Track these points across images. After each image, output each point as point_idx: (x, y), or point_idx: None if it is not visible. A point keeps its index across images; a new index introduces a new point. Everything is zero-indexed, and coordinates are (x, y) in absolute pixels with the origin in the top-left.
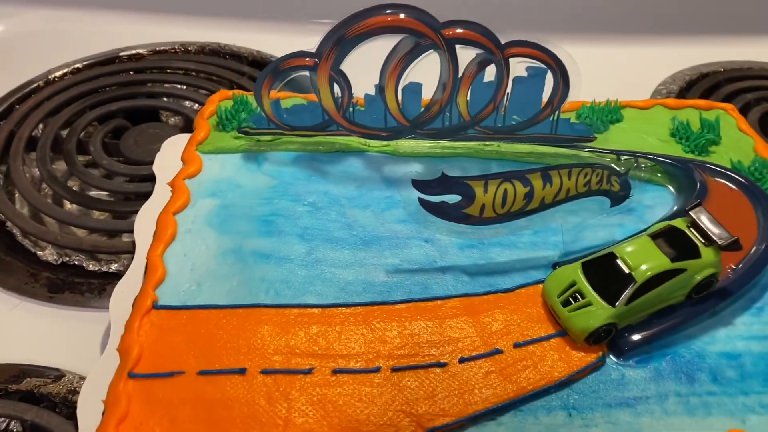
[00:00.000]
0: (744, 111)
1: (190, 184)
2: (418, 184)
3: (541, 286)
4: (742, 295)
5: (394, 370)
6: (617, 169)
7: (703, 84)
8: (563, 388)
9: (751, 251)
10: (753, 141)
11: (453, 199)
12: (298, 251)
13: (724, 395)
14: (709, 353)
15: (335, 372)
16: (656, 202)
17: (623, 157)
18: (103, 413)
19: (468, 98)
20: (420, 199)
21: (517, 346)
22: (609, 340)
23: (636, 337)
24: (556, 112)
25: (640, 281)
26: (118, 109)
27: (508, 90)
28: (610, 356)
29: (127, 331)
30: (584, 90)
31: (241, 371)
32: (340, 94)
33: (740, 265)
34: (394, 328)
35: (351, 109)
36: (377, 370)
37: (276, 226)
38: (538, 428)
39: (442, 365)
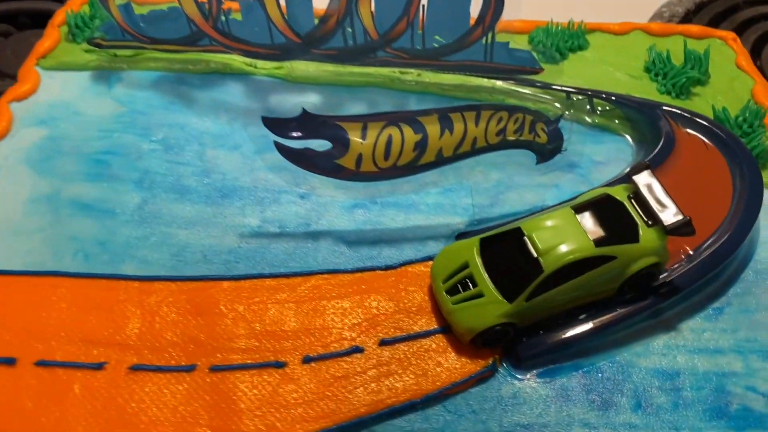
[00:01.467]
0: (759, 44)
1: (17, 108)
2: (272, 124)
3: (428, 265)
4: (695, 293)
5: (214, 369)
6: (545, 114)
7: (717, 5)
8: (433, 404)
9: (715, 234)
10: (752, 82)
11: (323, 146)
12: (129, 202)
13: (646, 430)
14: (637, 369)
15: (134, 368)
16: (609, 158)
17: (575, 97)
18: None
19: (373, 9)
20: (276, 144)
21: (383, 344)
22: (505, 343)
23: (541, 341)
24: (490, 34)
25: (549, 271)
26: None
27: (424, 1)
28: (504, 365)
29: None
30: (558, 7)
31: (9, 361)
32: None
33: (700, 251)
34: (226, 313)
35: (223, 17)
36: (191, 368)
37: (109, 168)
38: None
39: (280, 366)
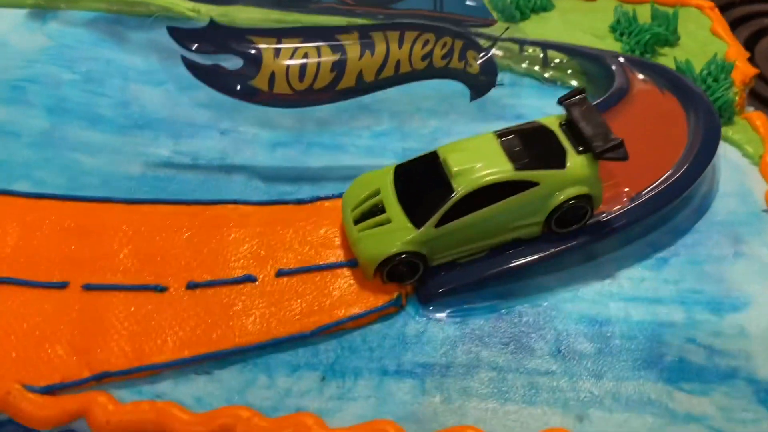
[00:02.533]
0: (752, 40)
1: None
2: (178, 35)
3: None
4: (637, 239)
5: (88, 288)
6: (475, 40)
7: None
8: (327, 339)
9: (665, 175)
10: (726, 46)
11: (233, 64)
12: (36, 127)
13: (564, 377)
14: (562, 315)
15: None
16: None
17: (529, 50)
18: None
19: None
20: (184, 59)
21: (280, 274)
22: (415, 279)
23: (454, 277)
24: None
25: (462, 193)
26: None
27: None
28: (414, 302)
29: None
30: None
31: None
32: None
33: (644, 193)
34: (113, 234)
35: None
36: (62, 285)
37: (23, 94)
38: (270, 393)
39: (160, 290)
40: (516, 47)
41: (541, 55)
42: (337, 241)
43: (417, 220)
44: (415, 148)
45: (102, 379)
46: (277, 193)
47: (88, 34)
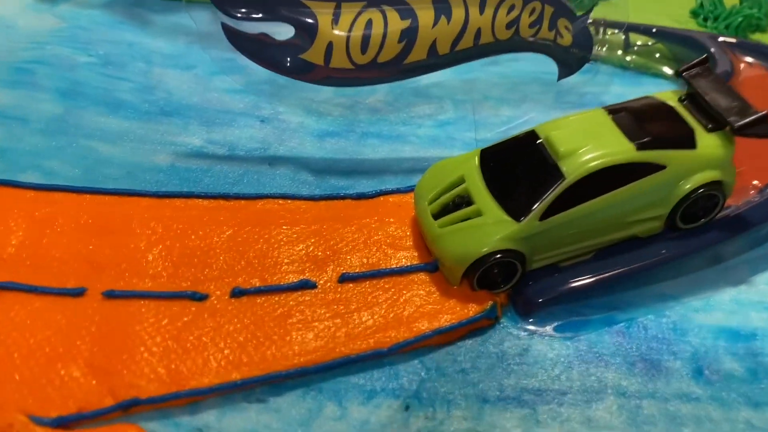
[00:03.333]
0: None
1: None
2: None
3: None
4: None
5: (110, 295)
6: (567, 6)
7: None
8: (406, 358)
9: None
10: None
11: (283, 33)
12: (47, 111)
13: (712, 404)
14: (695, 327)
15: (2, 287)
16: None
17: (609, 31)
18: None
19: None
20: (224, 27)
21: (345, 279)
22: (511, 286)
23: (560, 282)
24: None
25: (573, 179)
26: None
27: None
28: (510, 314)
29: None
30: None
31: None
32: None
33: None
34: (140, 233)
35: None
36: (79, 292)
37: (32, 77)
38: (342, 426)
39: (199, 298)
40: (593, 29)
41: (623, 38)
42: (409, 240)
43: (515, 212)
44: (489, 138)
45: (129, 408)
46: (330, 188)
47: (105, 15)
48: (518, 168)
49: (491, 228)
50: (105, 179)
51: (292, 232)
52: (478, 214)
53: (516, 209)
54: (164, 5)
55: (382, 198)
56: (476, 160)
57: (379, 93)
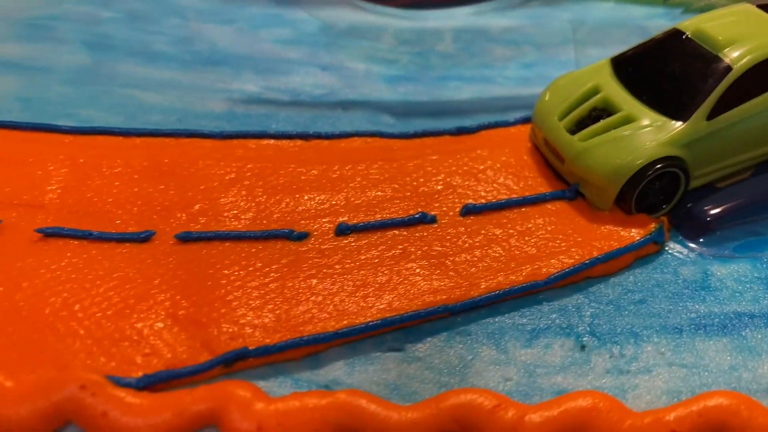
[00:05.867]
0: None
1: None
2: None
3: (526, 126)
4: None
5: (184, 239)
6: None
7: None
8: (565, 294)
9: None
10: None
11: None
12: (73, 62)
13: None
14: None
15: (47, 234)
16: None
17: None
18: None
19: None
20: None
21: (466, 212)
22: (672, 206)
23: (737, 195)
24: None
25: (742, 66)
26: None
27: None
28: (677, 238)
29: None
30: None
31: None
32: None
33: None
34: (206, 173)
35: None
36: (147, 236)
37: (49, 32)
38: (503, 372)
39: (297, 237)
40: None
41: None
42: (530, 169)
43: (676, 114)
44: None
45: (234, 363)
46: (416, 128)
47: None
48: (667, 68)
49: (649, 134)
50: (152, 126)
51: (390, 168)
52: (628, 121)
53: (676, 110)
54: None
55: (483, 132)
56: (608, 68)
57: (447, 40)
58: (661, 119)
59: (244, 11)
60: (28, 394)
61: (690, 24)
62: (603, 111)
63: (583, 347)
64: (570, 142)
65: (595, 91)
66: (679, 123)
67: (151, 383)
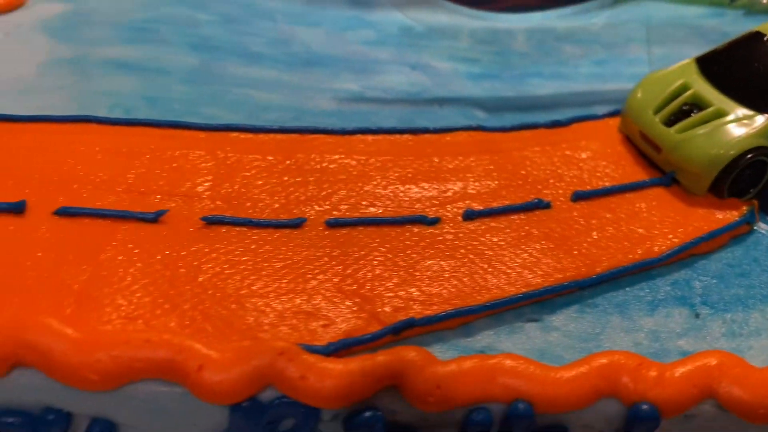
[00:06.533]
0: None
1: None
2: None
3: (614, 120)
4: None
5: (332, 224)
6: None
7: None
8: (674, 269)
9: None
10: None
11: None
12: (184, 63)
13: None
14: None
15: (209, 221)
16: None
17: None
18: None
19: None
20: None
21: (578, 198)
22: (759, 190)
23: None
24: None
25: None
26: None
27: None
28: (765, 219)
29: None
30: None
31: (17, 206)
32: None
33: None
34: (342, 165)
35: None
36: (298, 223)
37: (155, 34)
38: (633, 338)
39: (431, 222)
40: None
41: None
42: (626, 158)
43: (762, 107)
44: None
45: (401, 332)
46: (508, 122)
47: None
48: (751, 66)
49: (739, 126)
50: (272, 124)
51: (498, 159)
52: (720, 115)
53: (763, 105)
54: None
55: (575, 125)
56: (694, 67)
57: (520, 39)
58: (750, 113)
59: (327, 13)
60: (234, 361)
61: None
62: (694, 106)
63: (697, 315)
64: (667, 134)
65: (685, 88)
66: (766, 116)
67: (336, 350)
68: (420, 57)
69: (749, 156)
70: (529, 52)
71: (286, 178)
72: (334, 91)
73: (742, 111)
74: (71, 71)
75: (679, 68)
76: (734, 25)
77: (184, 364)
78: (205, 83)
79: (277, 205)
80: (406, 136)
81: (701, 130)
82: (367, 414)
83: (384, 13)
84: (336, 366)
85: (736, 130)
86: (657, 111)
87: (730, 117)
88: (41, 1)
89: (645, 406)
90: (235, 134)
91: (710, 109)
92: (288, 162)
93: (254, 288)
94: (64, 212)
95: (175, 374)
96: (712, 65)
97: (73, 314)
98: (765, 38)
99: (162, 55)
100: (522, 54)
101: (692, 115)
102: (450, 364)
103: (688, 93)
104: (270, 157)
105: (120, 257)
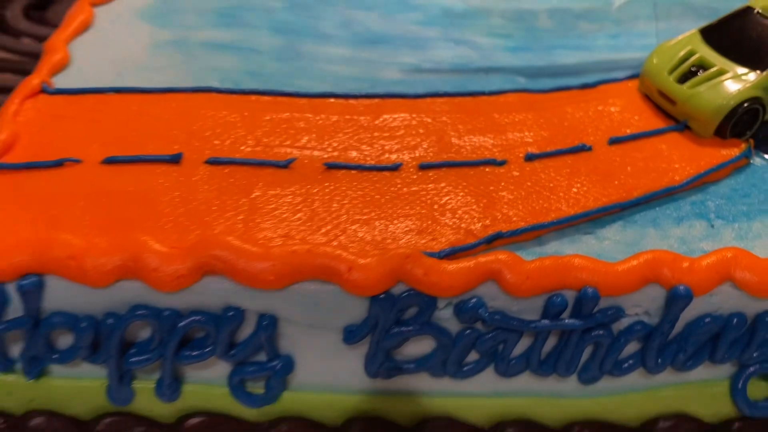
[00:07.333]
0: None
1: None
2: None
3: (633, 82)
4: None
5: (424, 167)
6: None
7: None
8: (690, 194)
9: None
10: None
11: None
12: (271, 44)
13: None
14: None
15: (330, 166)
16: None
17: None
18: None
19: None
20: None
21: (613, 142)
22: (753, 132)
23: None
24: None
25: None
26: None
27: None
28: (760, 153)
29: None
30: None
31: (175, 158)
32: None
33: None
34: (421, 122)
35: None
36: (396, 167)
37: (239, 20)
38: (666, 243)
39: (499, 163)
40: None
41: None
42: (647, 111)
43: (756, 66)
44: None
45: (492, 242)
46: (546, 85)
47: None
48: (745, 33)
49: (738, 81)
50: (352, 91)
51: (543, 114)
52: (721, 73)
53: (756, 63)
54: None
55: (601, 86)
56: (698, 37)
57: (542, 18)
58: (745, 71)
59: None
60: (374, 264)
61: (757, 1)
62: (700, 67)
63: (712, 225)
64: (680, 90)
65: (692, 53)
66: (758, 72)
67: (446, 255)
68: (462, 34)
69: (746, 105)
70: (552, 29)
71: (377, 134)
72: (397, 64)
73: (739, 69)
74: (177, 51)
75: (685, 38)
76: (721, 2)
77: (337, 267)
78: (292, 60)
79: (376, 154)
80: (466, 98)
81: (707, 86)
82: (473, 300)
83: None
84: (449, 265)
85: (735, 85)
86: (670, 72)
87: (730, 74)
88: None
89: (681, 288)
90: (329, 100)
91: (713, 69)
92: (376, 122)
93: (374, 214)
94: (214, 161)
95: (331, 275)
96: (713, 34)
97: (244, 235)
98: (755, 11)
99: (250, 37)
100: (547, 30)
101: (699, 74)
102: (534, 261)
103: (695, 56)
104: (361, 118)
105: (269, 193)
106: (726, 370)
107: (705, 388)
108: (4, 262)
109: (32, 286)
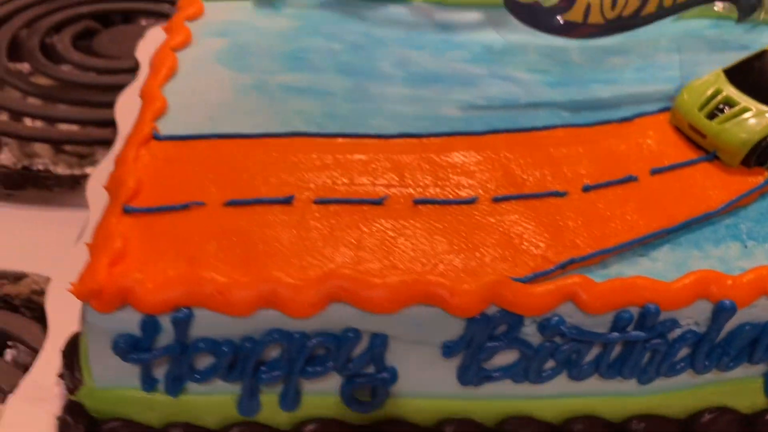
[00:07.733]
0: None
1: (191, 25)
2: None
3: (664, 115)
4: None
5: (497, 200)
6: None
7: None
8: (725, 217)
9: None
10: None
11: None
12: (341, 85)
13: None
14: None
15: (417, 202)
16: None
17: None
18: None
19: None
20: (506, 1)
21: (655, 172)
22: None
23: None
24: None
25: None
26: (87, 12)
27: None
28: None
29: (118, 165)
30: None
31: (287, 200)
32: None
33: None
34: (487, 157)
35: None
36: (473, 200)
37: (308, 63)
38: (708, 263)
39: (560, 194)
40: None
41: None
42: (680, 144)
43: None
44: (686, 75)
45: (566, 267)
46: (588, 118)
47: (329, 14)
48: (764, 75)
49: (761, 118)
50: (419, 129)
51: (591, 147)
52: (746, 110)
53: None
54: (366, 3)
55: (638, 120)
56: (723, 76)
57: (574, 54)
58: (766, 108)
59: (424, 38)
60: (472, 289)
61: None
62: (726, 104)
63: (746, 246)
64: (709, 125)
65: (718, 92)
66: None
67: (529, 279)
68: (505, 70)
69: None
70: (584, 64)
71: (450, 170)
72: (453, 101)
73: (760, 107)
74: (260, 95)
75: (712, 77)
76: (731, 35)
77: (441, 293)
78: (362, 101)
79: (454, 189)
80: (521, 134)
81: (733, 122)
82: (555, 318)
83: (466, 35)
84: (534, 289)
85: (758, 121)
86: (700, 108)
87: (753, 112)
88: (204, 37)
89: (727, 302)
90: (402, 140)
91: (738, 107)
92: (448, 158)
93: (462, 245)
94: (320, 201)
95: (435, 300)
96: (735, 75)
97: (359, 266)
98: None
99: (321, 79)
100: (579, 65)
101: (725, 111)
102: (605, 283)
103: (722, 95)
104: (433, 155)
105: (372, 228)
106: (760, 368)
107: (742, 385)
108: (159, 298)
109: (184, 318)
